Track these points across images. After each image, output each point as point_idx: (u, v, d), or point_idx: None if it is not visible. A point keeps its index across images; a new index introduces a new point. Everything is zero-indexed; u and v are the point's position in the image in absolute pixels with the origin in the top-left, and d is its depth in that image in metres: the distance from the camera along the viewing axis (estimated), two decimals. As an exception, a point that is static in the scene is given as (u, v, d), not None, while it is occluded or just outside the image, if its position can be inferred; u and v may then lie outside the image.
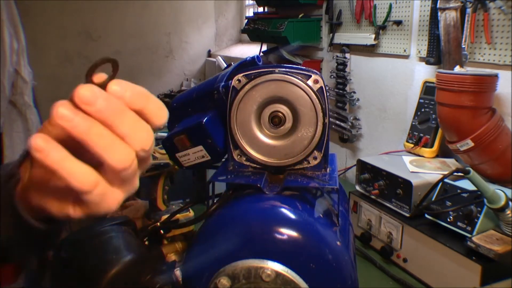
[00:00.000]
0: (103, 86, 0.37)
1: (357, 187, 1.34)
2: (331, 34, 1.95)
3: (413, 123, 1.45)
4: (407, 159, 1.34)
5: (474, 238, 0.94)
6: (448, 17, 1.20)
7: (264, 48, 2.51)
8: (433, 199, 1.10)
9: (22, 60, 2.27)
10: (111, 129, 0.36)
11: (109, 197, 0.39)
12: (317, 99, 0.71)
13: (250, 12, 3.66)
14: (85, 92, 0.35)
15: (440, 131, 1.34)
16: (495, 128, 1.12)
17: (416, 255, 1.11)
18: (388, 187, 1.22)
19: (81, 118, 0.35)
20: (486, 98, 1.14)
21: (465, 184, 1.04)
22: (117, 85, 0.37)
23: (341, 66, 1.84)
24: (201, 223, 0.75)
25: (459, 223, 1.02)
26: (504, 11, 1.16)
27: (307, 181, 0.72)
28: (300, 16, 2.06)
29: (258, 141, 0.74)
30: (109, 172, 0.38)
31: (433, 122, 1.37)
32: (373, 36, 1.67)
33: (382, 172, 1.24)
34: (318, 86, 0.71)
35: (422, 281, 1.09)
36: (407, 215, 1.15)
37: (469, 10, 1.22)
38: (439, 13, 1.22)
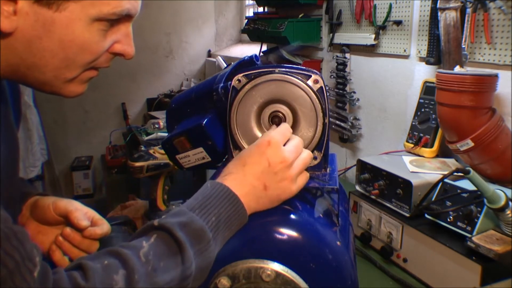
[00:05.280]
0: None
1: (357, 187, 1.34)
2: (331, 34, 1.95)
3: (413, 123, 1.45)
4: (407, 159, 1.34)
5: (474, 238, 0.94)
6: (448, 17, 1.20)
7: (264, 48, 2.51)
8: (433, 199, 1.10)
9: (22, 60, 2.27)
10: None
11: None
12: (317, 99, 0.70)
13: (250, 12, 3.65)
14: None
15: (440, 131, 1.34)
16: (495, 128, 1.12)
17: (416, 255, 1.11)
18: (388, 187, 1.22)
19: None
20: (486, 98, 1.13)
21: (465, 184, 1.04)
22: None
23: (341, 66, 1.84)
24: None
25: (459, 223, 1.02)
26: (504, 11, 1.16)
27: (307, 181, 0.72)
28: (300, 16, 2.06)
29: (258, 141, 0.74)
30: None
31: (433, 122, 1.37)
32: (373, 36, 1.67)
33: (382, 172, 1.24)
34: (318, 86, 0.71)
35: (422, 281, 1.09)
36: (407, 215, 1.15)
37: (469, 10, 1.22)
38: (439, 13, 1.22)
